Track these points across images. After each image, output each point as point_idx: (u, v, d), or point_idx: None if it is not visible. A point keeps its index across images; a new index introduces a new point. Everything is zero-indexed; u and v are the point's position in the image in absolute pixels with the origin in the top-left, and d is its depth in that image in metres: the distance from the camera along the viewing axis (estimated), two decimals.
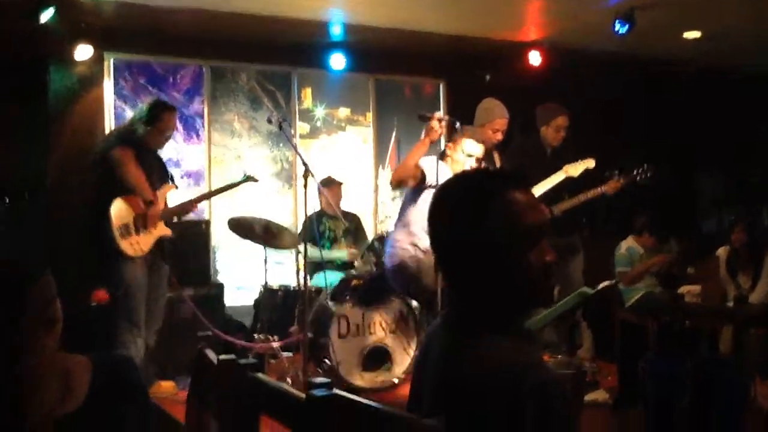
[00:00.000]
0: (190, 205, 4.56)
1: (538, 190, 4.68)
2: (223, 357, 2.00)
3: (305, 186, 4.26)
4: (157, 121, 4.29)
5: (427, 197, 4.09)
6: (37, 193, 5.34)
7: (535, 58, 6.69)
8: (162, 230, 4.33)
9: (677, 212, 7.25)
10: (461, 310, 1.43)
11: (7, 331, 1.61)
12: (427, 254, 4.14)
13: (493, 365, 1.29)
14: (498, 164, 4.73)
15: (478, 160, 4.01)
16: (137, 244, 4.15)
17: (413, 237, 4.12)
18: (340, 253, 5.69)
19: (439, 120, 3.92)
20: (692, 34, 6.49)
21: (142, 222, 4.18)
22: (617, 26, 5.74)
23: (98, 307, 4.67)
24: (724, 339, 5.50)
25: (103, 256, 4.17)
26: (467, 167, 4.04)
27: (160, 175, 4.46)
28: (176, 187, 4.54)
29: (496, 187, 1.37)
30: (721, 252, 5.90)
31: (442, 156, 4.19)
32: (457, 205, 1.39)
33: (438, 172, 3.95)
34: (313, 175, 4.25)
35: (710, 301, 5.86)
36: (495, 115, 4.60)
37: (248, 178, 4.76)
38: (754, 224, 5.87)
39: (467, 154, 4.07)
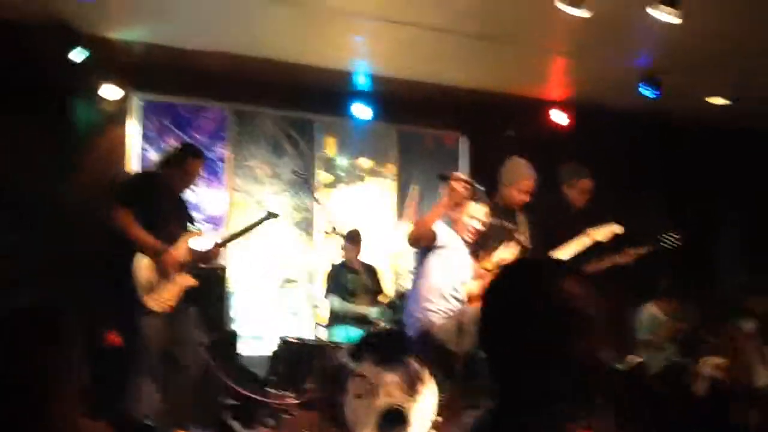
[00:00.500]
0: (215, 251, 4.44)
1: (565, 253, 4.57)
2: None
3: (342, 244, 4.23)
4: (183, 164, 4.23)
5: (435, 258, 4.04)
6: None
7: (558, 116, 6.69)
8: (186, 281, 4.22)
9: (697, 274, 7.14)
10: (511, 402, 1.35)
11: (27, 381, 1.52)
12: (438, 315, 4.07)
13: None
14: (524, 224, 4.63)
15: (483, 224, 3.93)
16: (162, 299, 4.04)
17: (424, 302, 4.07)
18: (365, 309, 5.58)
19: (459, 181, 3.85)
20: (718, 101, 6.49)
21: (164, 275, 4.07)
22: (643, 90, 5.73)
23: (111, 351, 4.54)
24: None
25: (123, 306, 4.06)
26: (470, 229, 4.00)
27: (181, 219, 4.36)
28: (200, 233, 4.43)
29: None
30: (749, 325, 5.75)
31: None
32: (514, 291, 1.33)
33: (444, 234, 3.97)
34: (342, 236, 4.20)
35: (739, 377, 5.69)
36: (521, 176, 4.52)
37: (270, 215, 4.68)
38: None
39: (470, 216, 4.01)
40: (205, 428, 4.70)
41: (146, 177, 4.35)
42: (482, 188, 3.98)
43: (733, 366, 5.68)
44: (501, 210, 4.54)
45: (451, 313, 4.04)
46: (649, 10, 3.85)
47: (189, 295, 4.25)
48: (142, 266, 3.99)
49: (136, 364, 3.97)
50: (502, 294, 1.36)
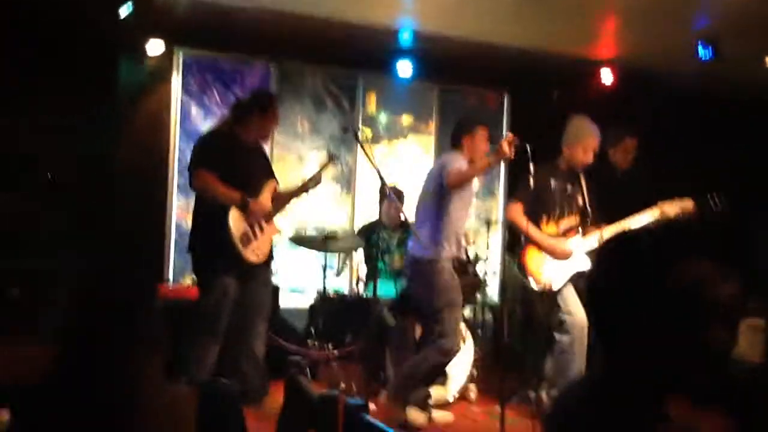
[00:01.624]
0: (293, 195, 4.44)
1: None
2: (325, 392, 1.95)
3: (381, 201, 4.21)
4: (251, 117, 4.16)
5: (457, 201, 4.13)
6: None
7: (606, 77, 6.55)
8: (274, 230, 4.24)
9: (741, 245, 7.02)
10: (619, 376, 1.34)
11: (116, 350, 1.56)
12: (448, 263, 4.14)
13: None
14: (585, 189, 4.57)
15: (509, 143, 3.85)
16: (258, 249, 4.06)
17: (443, 245, 4.13)
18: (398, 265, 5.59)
19: (509, 143, 3.82)
20: None
21: (258, 225, 4.09)
22: (700, 52, 5.57)
23: (167, 305, 4.62)
24: None
25: (211, 263, 4.02)
26: (495, 151, 3.97)
27: (263, 171, 4.33)
28: (278, 184, 4.41)
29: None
30: None
31: (463, 154, 4.22)
32: (639, 269, 1.31)
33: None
34: (389, 193, 4.18)
35: None
36: (586, 135, 4.44)
37: (332, 157, 4.60)
38: None
39: (485, 138, 4.16)
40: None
41: (219, 135, 4.24)
42: (531, 149, 3.94)
43: None
44: (564, 173, 4.50)
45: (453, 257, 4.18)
46: None
47: (273, 247, 4.28)
48: (236, 220, 3.98)
49: (208, 324, 3.99)
50: (621, 269, 1.33)
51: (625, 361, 1.32)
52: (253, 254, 4.02)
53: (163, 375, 1.62)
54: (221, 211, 3.96)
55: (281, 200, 4.36)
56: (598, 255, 1.43)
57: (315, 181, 4.42)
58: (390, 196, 4.52)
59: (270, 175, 4.38)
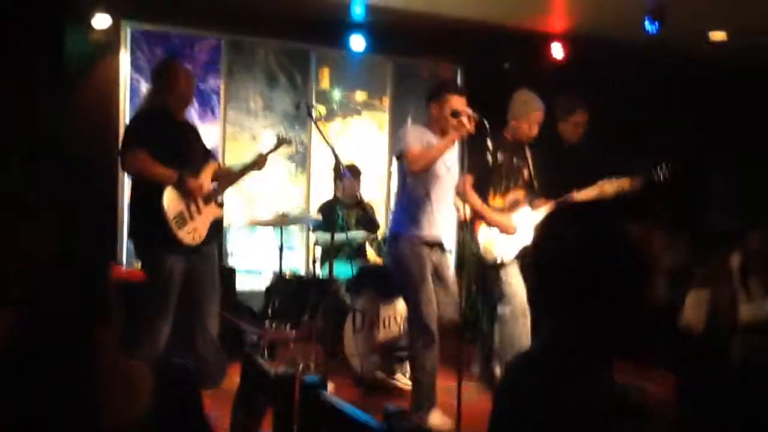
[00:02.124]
0: (236, 178, 4.31)
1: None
2: (281, 370, 1.92)
3: (335, 178, 4.16)
4: (168, 84, 3.96)
5: (425, 179, 3.92)
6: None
7: (557, 50, 6.59)
8: (214, 211, 4.08)
9: (690, 209, 7.21)
10: (566, 342, 1.37)
11: (71, 325, 1.52)
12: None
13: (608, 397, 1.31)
14: (530, 160, 4.59)
15: (468, 117, 3.82)
16: (195, 231, 3.91)
17: (415, 227, 3.98)
18: (354, 234, 5.54)
19: (469, 117, 3.79)
20: (718, 35, 6.42)
21: (195, 206, 3.94)
22: (647, 23, 5.64)
23: (120, 285, 4.53)
24: None
25: (147, 242, 3.92)
26: (454, 127, 3.84)
27: (198, 149, 4.15)
28: (219, 165, 4.28)
29: (620, 219, 1.34)
30: (735, 257, 5.85)
31: (428, 124, 4.02)
32: (580, 235, 1.34)
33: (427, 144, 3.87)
34: (344, 170, 4.13)
35: (720, 308, 5.83)
36: (532, 108, 4.42)
37: (281, 141, 4.47)
38: None
39: (453, 111, 3.85)
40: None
41: (149, 112, 4.05)
42: (487, 123, 3.91)
43: (717, 298, 5.81)
44: (510, 145, 4.48)
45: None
46: None
47: (214, 229, 4.11)
48: (171, 199, 3.84)
49: (156, 304, 3.93)
50: (564, 236, 1.37)
51: (570, 328, 1.35)
52: (188, 236, 3.88)
53: (118, 349, 1.57)
54: (156, 191, 3.82)
55: (223, 181, 4.21)
56: (539, 224, 1.45)
57: (259, 163, 4.29)
58: (345, 174, 4.47)
59: (209, 155, 4.24)
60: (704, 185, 7.84)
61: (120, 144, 3.96)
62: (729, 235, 6.84)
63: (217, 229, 4.16)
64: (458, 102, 3.90)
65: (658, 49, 6.57)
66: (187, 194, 3.88)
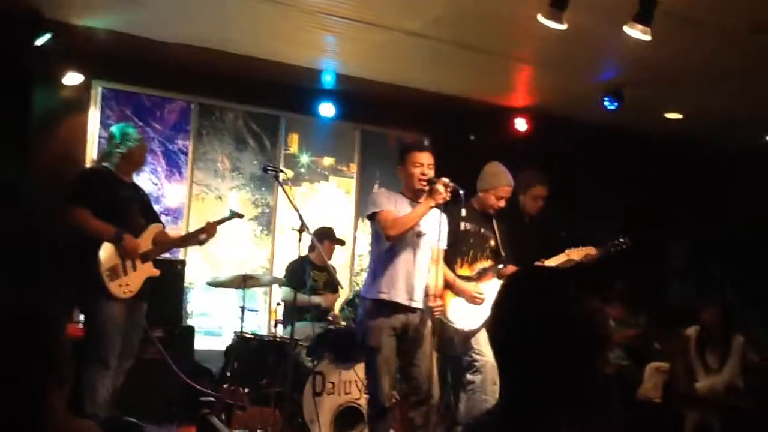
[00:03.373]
0: (178, 244, 4.45)
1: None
2: None
3: (299, 240, 4.20)
4: (128, 141, 4.21)
5: (399, 245, 3.91)
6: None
7: (521, 124, 6.81)
8: (150, 270, 4.21)
9: (647, 282, 7.36)
10: (516, 409, 1.39)
11: (23, 383, 1.49)
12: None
13: None
14: (497, 232, 4.67)
15: (444, 185, 3.84)
16: (126, 286, 4.04)
17: (384, 291, 3.95)
18: (321, 299, 5.56)
19: (445, 185, 3.86)
20: (674, 115, 6.73)
21: (131, 263, 4.08)
22: (606, 102, 5.91)
23: (71, 342, 4.46)
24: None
25: (85, 293, 4.04)
26: (421, 183, 3.90)
27: (143, 210, 4.33)
28: (163, 226, 4.42)
29: (578, 290, 1.36)
30: (691, 331, 5.96)
31: (400, 189, 4.07)
32: (540, 303, 1.36)
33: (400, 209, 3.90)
34: (308, 231, 4.18)
35: (678, 380, 5.90)
36: (501, 182, 4.53)
37: (234, 215, 4.64)
38: (724, 304, 5.94)
39: (430, 179, 3.91)
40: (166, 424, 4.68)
41: (94, 171, 4.32)
42: (463, 191, 3.99)
43: (675, 370, 5.89)
44: (477, 215, 4.56)
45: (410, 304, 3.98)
46: (626, 28, 3.96)
47: (147, 287, 4.21)
48: (107, 253, 3.99)
49: (97, 353, 3.94)
50: (521, 302, 1.39)
51: (524, 391, 1.38)
52: (119, 288, 4.01)
53: (68, 408, 1.56)
54: (95, 244, 3.98)
55: (165, 244, 4.41)
56: (502, 286, 1.49)
57: (207, 232, 4.44)
58: (313, 241, 4.53)
59: (153, 218, 4.39)
60: (661, 259, 8.04)
61: (67, 199, 4.06)
62: (685, 309, 7.00)
63: (149, 288, 4.24)
64: (424, 157, 3.98)
65: (617, 125, 6.85)
66: (122, 251, 4.03)
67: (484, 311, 4.39)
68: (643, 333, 6.71)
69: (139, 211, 4.28)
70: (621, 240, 5.05)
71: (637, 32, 3.97)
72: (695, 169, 7.35)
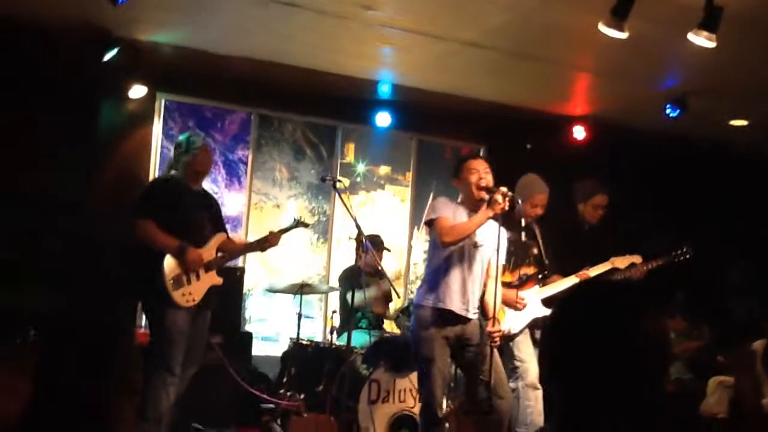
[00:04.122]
0: (242, 252, 4.51)
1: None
2: None
3: (358, 250, 4.24)
4: (187, 159, 4.26)
5: (455, 253, 3.91)
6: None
7: (579, 133, 6.73)
8: (213, 279, 4.26)
9: (710, 297, 7.15)
10: (576, 424, 1.37)
11: (97, 392, 1.56)
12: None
13: None
14: (539, 239, 4.66)
15: (503, 195, 3.77)
16: (189, 295, 4.09)
17: (438, 299, 3.94)
18: (380, 311, 5.58)
19: (504, 195, 3.85)
20: (739, 122, 6.54)
21: (194, 273, 4.14)
22: (668, 110, 5.78)
23: (139, 348, 4.59)
24: None
25: (150, 303, 4.13)
26: (480, 189, 3.89)
27: (211, 219, 4.37)
28: (227, 236, 4.46)
29: (653, 308, 1.33)
30: (758, 345, 5.77)
31: (460, 200, 4.06)
32: (602, 320, 1.34)
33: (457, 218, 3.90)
34: (365, 239, 4.21)
35: (745, 395, 5.72)
36: (535, 191, 4.59)
37: (299, 223, 4.65)
38: None
39: (489, 188, 3.88)
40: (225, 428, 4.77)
41: (161, 182, 4.41)
42: (519, 201, 4.00)
43: (741, 385, 5.71)
44: (518, 224, 4.55)
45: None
46: (690, 36, 3.88)
47: (211, 296, 4.27)
48: (171, 263, 4.06)
49: (163, 360, 4.01)
50: (583, 318, 1.37)
51: (582, 408, 1.35)
52: (182, 298, 4.06)
53: (138, 416, 1.61)
54: (159, 254, 4.06)
55: (230, 253, 4.44)
56: (560, 301, 1.46)
57: (270, 241, 4.47)
58: (366, 245, 4.55)
59: (218, 227, 4.42)
60: (724, 273, 7.80)
61: (133, 212, 4.16)
62: (751, 322, 6.78)
63: (212, 296, 4.29)
64: (479, 164, 4.00)
65: (679, 133, 6.69)
66: (185, 263, 4.09)
67: (524, 316, 4.46)
68: (705, 346, 6.53)
69: (207, 219, 4.33)
70: (684, 250, 4.96)
71: (702, 39, 3.89)
72: (760, 181, 7.12)
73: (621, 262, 4.71)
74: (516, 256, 4.55)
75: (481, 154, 7.13)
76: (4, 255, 4.91)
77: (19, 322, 4.53)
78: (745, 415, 5.43)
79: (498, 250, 3.89)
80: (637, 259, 4.78)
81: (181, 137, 4.46)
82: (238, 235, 6.10)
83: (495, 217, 3.81)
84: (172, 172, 4.36)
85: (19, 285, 4.81)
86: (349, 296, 5.13)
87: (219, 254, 4.31)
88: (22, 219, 5.12)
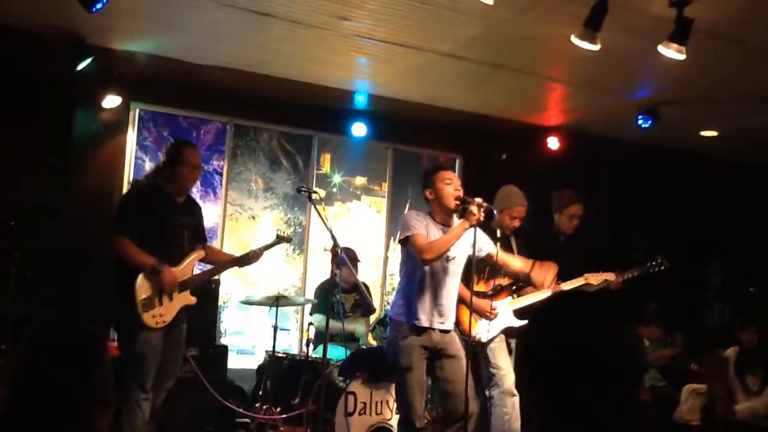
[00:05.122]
0: (216, 273, 4.41)
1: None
2: None
3: (333, 261, 4.20)
4: (173, 168, 4.03)
5: (429, 269, 3.90)
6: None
7: (553, 143, 6.79)
8: (186, 299, 4.13)
9: (684, 304, 7.23)
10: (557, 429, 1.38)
11: (67, 404, 1.52)
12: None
13: None
14: (515, 250, 4.68)
15: (478, 206, 3.77)
16: (160, 317, 3.96)
17: (412, 313, 3.93)
18: (356, 325, 5.56)
19: (479, 206, 3.85)
20: (709, 133, 6.65)
21: (167, 294, 3.99)
22: (641, 120, 5.86)
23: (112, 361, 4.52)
24: None
25: (120, 320, 4.01)
26: (456, 200, 3.89)
27: (192, 233, 4.19)
28: (204, 253, 4.31)
29: (624, 316, 1.34)
30: (730, 352, 5.83)
31: (429, 211, 4.06)
32: (575, 331, 1.35)
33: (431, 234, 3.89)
34: (341, 251, 4.18)
35: (717, 402, 5.78)
36: (514, 203, 4.61)
37: (281, 239, 4.55)
38: (764, 326, 5.82)
39: (464, 199, 3.87)
40: None
41: (140, 191, 4.17)
42: (496, 211, 4.00)
43: (713, 392, 5.76)
44: (494, 235, 4.56)
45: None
46: (661, 48, 3.93)
47: (183, 312, 4.15)
48: (143, 284, 3.92)
49: (135, 377, 3.95)
50: (557, 326, 1.38)
51: (559, 417, 1.36)
52: (152, 319, 3.93)
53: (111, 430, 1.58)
54: (132, 273, 3.92)
55: (213, 265, 4.32)
56: (537, 311, 1.47)
57: (251, 259, 4.36)
58: (341, 257, 4.51)
59: (199, 237, 4.28)
60: (697, 280, 7.91)
61: (113, 226, 4.02)
62: (723, 330, 6.87)
63: (186, 310, 4.16)
64: (452, 174, 4.00)
65: (651, 143, 6.79)
66: (159, 284, 3.95)
67: (495, 326, 4.40)
68: (679, 353, 6.60)
69: (188, 231, 4.15)
70: (659, 261, 5.00)
71: (672, 51, 3.94)
72: (732, 188, 7.23)
73: (595, 278, 4.62)
74: (490, 266, 4.56)
75: (457, 163, 7.19)
76: None
77: None
78: (717, 422, 5.48)
79: (473, 255, 3.91)
80: (610, 276, 4.68)
81: (175, 144, 4.26)
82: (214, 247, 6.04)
83: (471, 228, 3.82)
84: (157, 178, 4.09)
85: None
86: (321, 318, 5.08)
87: (194, 273, 4.18)
88: None
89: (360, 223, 6.94)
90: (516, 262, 4.26)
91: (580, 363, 1.33)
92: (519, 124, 6.71)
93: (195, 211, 4.28)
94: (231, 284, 6.25)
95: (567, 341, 1.36)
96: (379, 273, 6.95)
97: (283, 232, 4.60)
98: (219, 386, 5.00)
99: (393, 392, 4.70)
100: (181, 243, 4.10)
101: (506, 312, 4.49)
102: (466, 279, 4.31)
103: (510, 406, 4.35)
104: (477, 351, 4.43)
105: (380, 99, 6.24)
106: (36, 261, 5.07)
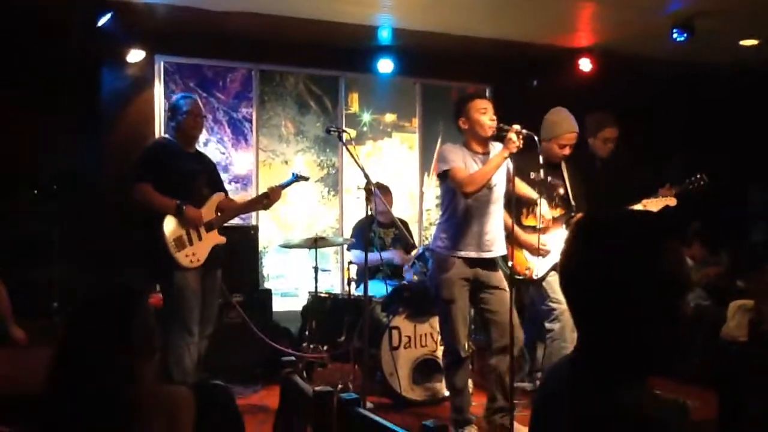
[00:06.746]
0: (242, 210, 4.51)
1: None
2: (319, 388, 1.96)
3: (367, 199, 4.20)
4: (177, 121, 4.24)
5: (470, 200, 3.86)
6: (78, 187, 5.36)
7: (585, 65, 6.59)
8: (216, 238, 4.26)
9: (727, 222, 7.09)
10: (596, 355, 1.37)
11: (112, 355, 1.57)
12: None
13: (634, 416, 1.27)
14: (566, 178, 4.57)
15: (517, 133, 3.70)
16: (193, 255, 4.10)
17: (454, 245, 3.95)
18: (391, 254, 5.59)
19: (518, 133, 3.77)
20: (749, 42, 6.37)
21: (195, 233, 4.14)
22: (675, 34, 5.64)
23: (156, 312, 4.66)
24: None
25: (157, 265, 4.12)
26: (492, 129, 3.83)
27: (208, 179, 4.36)
28: (226, 194, 4.45)
29: (665, 234, 1.32)
30: None
31: (463, 142, 3.99)
32: (628, 247, 1.32)
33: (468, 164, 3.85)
34: (375, 188, 4.17)
35: (765, 318, 5.72)
36: (562, 130, 4.37)
37: (298, 178, 4.61)
38: None
39: (501, 127, 3.80)
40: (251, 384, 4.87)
41: (156, 145, 4.40)
42: (536, 137, 3.90)
43: (762, 310, 5.69)
44: (542, 164, 4.33)
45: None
46: None
47: (218, 255, 4.26)
48: (171, 225, 4.06)
49: (178, 321, 4.06)
50: (594, 249, 1.35)
51: (603, 338, 1.35)
52: (186, 258, 4.07)
53: (158, 377, 1.64)
54: (159, 217, 4.06)
55: (230, 211, 4.42)
56: (569, 236, 1.44)
57: (271, 196, 4.42)
58: (375, 194, 4.51)
59: (216, 187, 4.41)
60: (740, 198, 7.72)
61: (130, 175, 4.15)
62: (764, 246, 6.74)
63: (221, 254, 4.28)
64: (487, 103, 3.92)
65: (687, 59, 6.54)
66: (185, 222, 4.08)
67: (551, 257, 4.29)
68: (724, 272, 6.52)
69: (204, 180, 4.31)
70: (699, 176, 4.88)
71: None
72: None
73: (655, 204, 4.51)
74: (540, 196, 4.45)
75: (487, 94, 7.06)
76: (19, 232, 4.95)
77: (39, 295, 4.61)
78: (766, 337, 5.43)
79: (512, 177, 3.89)
80: (671, 201, 4.57)
81: (171, 101, 4.44)
82: (247, 194, 6.11)
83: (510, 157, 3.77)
84: (166, 135, 4.37)
85: (37, 258, 4.88)
86: (363, 255, 5.11)
87: (218, 214, 4.31)
88: (31, 193, 5.15)
89: (392, 161, 6.91)
90: (526, 189, 4.19)
91: (615, 282, 1.32)
92: (549, 48, 6.51)
93: (207, 161, 4.47)
94: (269, 230, 6.33)
95: (601, 260, 1.34)
96: (415, 209, 6.95)
97: (300, 172, 4.66)
98: (266, 329, 5.12)
99: (437, 325, 4.76)
100: (200, 188, 4.25)
101: (561, 244, 4.35)
102: (516, 213, 4.22)
103: (570, 342, 4.24)
104: (521, 283, 4.39)
105: (404, 33, 6.11)
106: (76, 223, 5.18)
